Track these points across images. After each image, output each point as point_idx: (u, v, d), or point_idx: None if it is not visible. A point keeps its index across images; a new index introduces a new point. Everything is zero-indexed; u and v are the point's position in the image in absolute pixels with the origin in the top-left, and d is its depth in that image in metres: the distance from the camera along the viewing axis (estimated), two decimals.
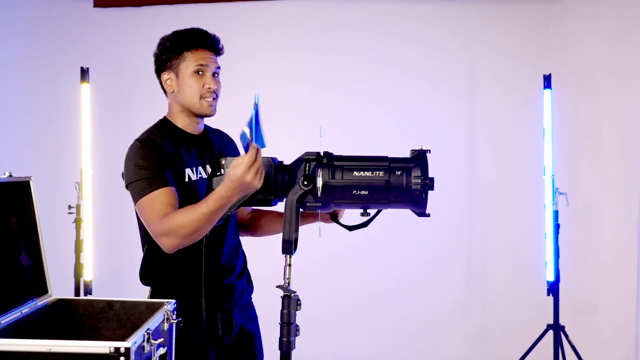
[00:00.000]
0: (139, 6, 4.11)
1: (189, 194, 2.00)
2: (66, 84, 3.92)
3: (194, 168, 2.04)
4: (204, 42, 2.01)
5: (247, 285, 2.20)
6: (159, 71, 2.08)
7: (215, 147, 2.11)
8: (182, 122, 2.07)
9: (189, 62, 2.00)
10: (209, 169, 2.07)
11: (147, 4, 4.10)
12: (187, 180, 2.01)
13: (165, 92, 2.10)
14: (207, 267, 2.01)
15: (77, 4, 4.11)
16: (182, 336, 1.98)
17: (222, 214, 1.81)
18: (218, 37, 2.08)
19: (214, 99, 2.02)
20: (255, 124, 1.61)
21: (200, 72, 2.00)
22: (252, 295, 2.24)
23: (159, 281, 2.05)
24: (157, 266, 2.03)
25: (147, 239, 1.99)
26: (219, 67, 2.06)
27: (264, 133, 1.66)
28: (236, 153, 2.18)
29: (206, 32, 2.05)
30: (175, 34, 2.04)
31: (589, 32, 3.96)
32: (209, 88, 2.00)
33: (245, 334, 2.17)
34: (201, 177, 2.05)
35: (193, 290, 2.01)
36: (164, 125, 2.07)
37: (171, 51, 2.02)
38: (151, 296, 2.06)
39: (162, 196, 1.87)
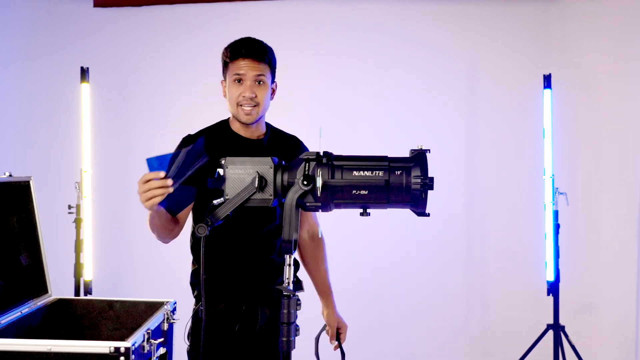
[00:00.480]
0: (139, 6, 4.11)
1: (217, 193, 2.09)
2: (66, 83, 3.92)
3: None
4: (239, 51, 2.11)
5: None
6: None
7: (264, 152, 2.17)
8: (235, 125, 2.21)
9: (230, 72, 2.14)
10: None
11: (147, 4, 4.10)
12: None
13: None
14: (232, 262, 2.17)
15: (77, 4, 4.11)
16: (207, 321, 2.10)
17: (158, 221, 1.94)
18: (261, 42, 2.16)
19: (253, 106, 2.12)
20: (180, 163, 1.67)
21: (240, 81, 2.12)
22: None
23: (196, 259, 2.21)
24: (195, 247, 2.21)
25: (196, 222, 2.19)
26: (262, 75, 2.12)
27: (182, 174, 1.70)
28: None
29: (246, 40, 2.15)
30: (225, 47, 2.17)
31: (589, 32, 3.96)
32: (244, 96, 2.11)
33: (274, 332, 2.19)
34: None
35: (221, 279, 2.15)
36: (220, 126, 2.24)
37: (222, 63, 2.18)
38: (192, 271, 2.22)
39: None
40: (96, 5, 4.08)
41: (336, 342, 2.31)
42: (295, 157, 2.19)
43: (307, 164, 1.57)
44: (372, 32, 4.09)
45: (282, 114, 3.97)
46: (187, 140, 2.17)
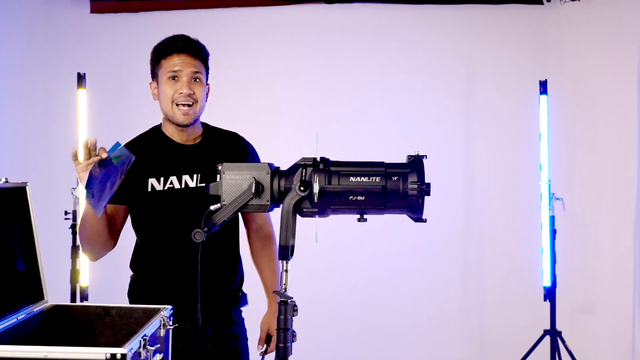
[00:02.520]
0: (136, 12, 4.11)
1: (151, 204, 2.04)
2: (63, 89, 3.92)
3: (162, 178, 2.03)
4: (175, 46, 1.99)
5: (231, 300, 2.14)
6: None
7: (200, 158, 2.06)
8: (169, 130, 2.08)
9: (164, 69, 2.01)
10: (195, 179, 2.05)
11: (143, 10, 4.10)
12: (149, 190, 2.04)
13: None
14: (175, 276, 2.04)
15: (74, 10, 4.11)
16: None
17: (89, 221, 1.90)
18: (196, 39, 2.04)
19: (190, 104, 1.99)
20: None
21: (175, 78, 1.99)
22: (241, 310, 2.19)
23: (139, 274, 2.15)
24: (137, 260, 2.14)
25: (136, 234, 2.11)
26: (198, 72, 2.00)
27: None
28: (240, 159, 2.12)
29: (180, 36, 2.02)
30: (157, 44, 2.05)
31: (585, 37, 3.98)
32: (182, 93, 1.98)
33: (221, 348, 2.10)
34: (171, 188, 2.04)
35: (165, 293, 2.05)
36: (153, 133, 2.10)
37: (153, 60, 2.05)
38: (130, 282, 2.18)
39: None
40: (93, 11, 4.09)
41: (262, 348, 2.09)
42: (238, 156, 2.09)
43: (304, 170, 1.57)
44: (369, 38, 4.10)
45: (278, 120, 4.00)
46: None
